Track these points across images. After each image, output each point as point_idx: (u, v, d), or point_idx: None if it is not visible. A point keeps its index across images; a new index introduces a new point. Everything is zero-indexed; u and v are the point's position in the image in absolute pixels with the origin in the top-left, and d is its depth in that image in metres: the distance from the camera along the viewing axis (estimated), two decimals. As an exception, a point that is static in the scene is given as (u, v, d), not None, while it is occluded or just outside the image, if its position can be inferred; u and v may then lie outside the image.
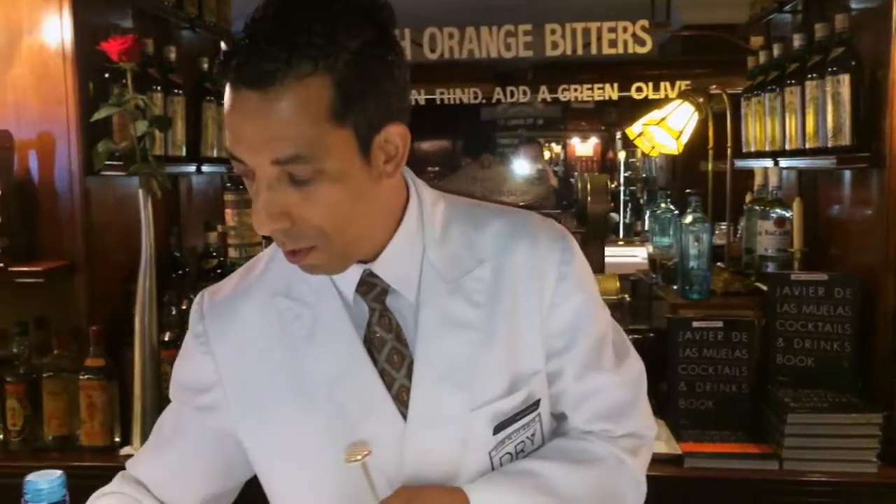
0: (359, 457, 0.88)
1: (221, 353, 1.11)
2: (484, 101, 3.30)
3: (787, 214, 2.54)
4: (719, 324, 2.19)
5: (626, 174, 8.72)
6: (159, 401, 2.10)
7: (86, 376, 2.06)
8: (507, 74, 4.24)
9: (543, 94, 3.74)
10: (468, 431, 1.05)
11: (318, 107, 0.89)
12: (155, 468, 1.17)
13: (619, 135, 9.05)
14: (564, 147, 9.82)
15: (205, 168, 2.73)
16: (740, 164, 2.92)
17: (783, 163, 2.53)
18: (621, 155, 9.00)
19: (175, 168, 2.54)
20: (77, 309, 2.21)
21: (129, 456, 2.02)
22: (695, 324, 2.19)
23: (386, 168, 0.97)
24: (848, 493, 1.95)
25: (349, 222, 0.96)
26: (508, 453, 1.09)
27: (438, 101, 3.33)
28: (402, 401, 1.04)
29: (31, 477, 0.87)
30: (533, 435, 1.11)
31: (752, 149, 2.75)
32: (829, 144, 2.17)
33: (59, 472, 0.85)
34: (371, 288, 1.05)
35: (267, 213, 0.92)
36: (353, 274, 1.05)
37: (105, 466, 2.03)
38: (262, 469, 1.13)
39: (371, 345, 1.05)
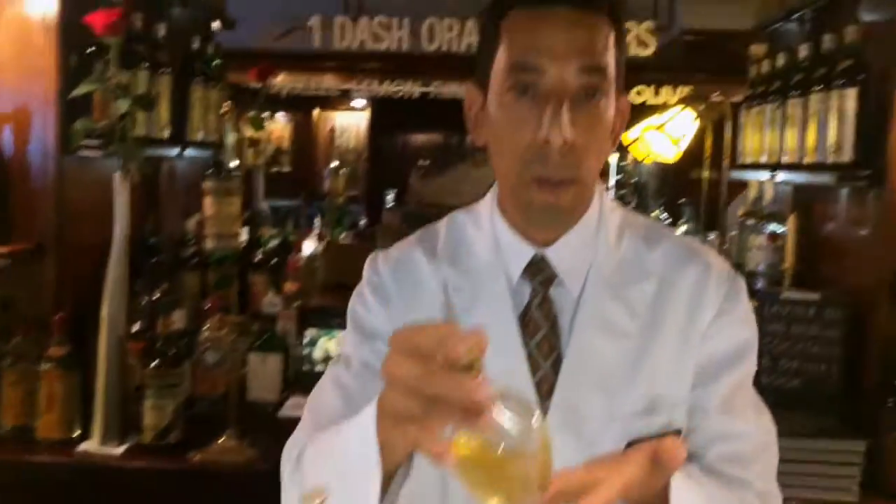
0: (316, 502, 0.82)
1: (395, 306, 1.11)
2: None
3: (781, 230, 2.48)
4: (706, 340, 2.13)
5: (617, 177, 8.68)
6: (123, 394, 2.04)
7: (47, 365, 1.98)
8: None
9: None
10: (602, 440, 1.03)
11: (610, 37, 1.02)
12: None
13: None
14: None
15: (189, 152, 2.65)
16: (735, 174, 2.86)
17: (781, 176, 2.46)
18: (613, 158, 8.93)
19: (157, 150, 2.47)
20: (44, 294, 2.14)
21: (86, 452, 2.01)
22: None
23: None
24: (830, 523, 1.91)
25: (598, 165, 1.05)
26: None
27: (433, 96, 3.26)
28: (541, 392, 1.04)
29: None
30: None
31: (749, 160, 2.70)
32: (830, 160, 2.12)
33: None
34: (538, 272, 1.08)
35: (564, 123, 0.97)
36: (525, 254, 1.08)
37: (62, 463, 1.96)
38: None
39: (525, 327, 1.06)
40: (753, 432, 1.10)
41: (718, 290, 1.08)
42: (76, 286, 2.21)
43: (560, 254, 1.07)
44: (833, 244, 2.35)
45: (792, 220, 2.43)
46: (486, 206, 1.14)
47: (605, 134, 1.03)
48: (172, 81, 2.48)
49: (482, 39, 1.06)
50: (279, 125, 6.53)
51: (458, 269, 1.11)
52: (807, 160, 2.24)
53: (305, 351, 2.26)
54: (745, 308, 1.10)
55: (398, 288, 1.12)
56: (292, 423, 2.01)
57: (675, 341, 1.07)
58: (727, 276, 1.10)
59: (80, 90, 2.00)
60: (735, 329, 1.09)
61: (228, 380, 2.09)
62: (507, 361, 1.04)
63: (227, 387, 2.10)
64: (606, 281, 1.08)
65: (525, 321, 1.07)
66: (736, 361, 1.09)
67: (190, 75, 2.67)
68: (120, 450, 1.99)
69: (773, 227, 2.51)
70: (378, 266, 1.15)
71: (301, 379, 2.25)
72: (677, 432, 1.06)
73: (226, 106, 2.48)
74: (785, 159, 2.38)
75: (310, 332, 2.26)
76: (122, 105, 2.02)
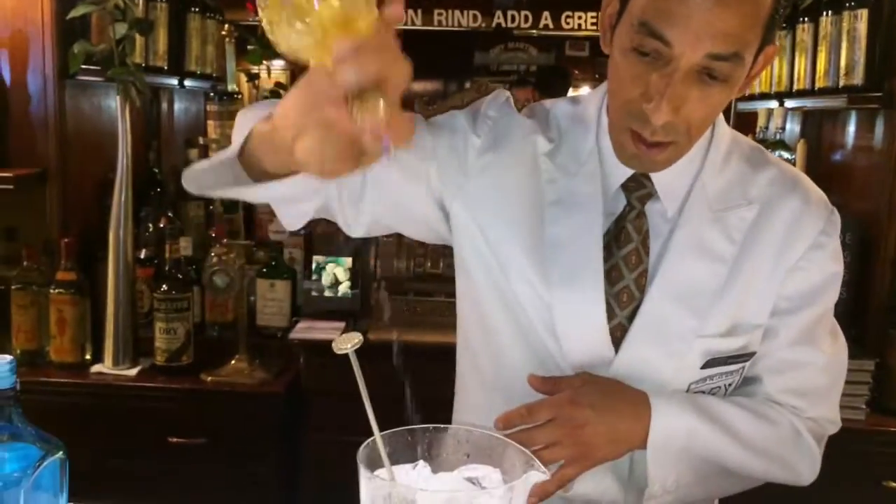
0: (348, 345, 0.82)
1: (486, 150, 1.08)
2: (483, 26, 3.17)
3: (790, 157, 2.47)
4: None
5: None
6: (133, 319, 2.03)
7: (56, 290, 1.98)
8: (507, 6, 4.11)
9: (546, 20, 3.60)
10: (681, 356, 1.04)
11: (765, 15, 0.91)
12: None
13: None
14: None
15: (188, 83, 2.61)
16: (744, 106, 2.84)
17: (790, 103, 2.44)
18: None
19: (156, 79, 2.42)
20: (49, 220, 2.11)
21: (101, 374, 2.02)
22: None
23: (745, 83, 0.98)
24: (836, 439, 1.92)
25: (707, 126, 1.00)
26: (703, 392, 1.08)
27: (436, 24, 3.19)
28: (620, 300, 1.04)
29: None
30: (730, 385, 1.09)
31: (757, 91, 2.67)
32: (841, 84, 2.10)
33: (9, 358, 0.76)
34: (638, 187, 1.05)
35: (671, 105, 0.91)
36: (626, 169, 1.04)
37: (74, 383, 1.98)
38: (468, 281, 1.12)
39: (615, 238, 1.05)
40: (824, 361, 1.10)
41: (815, 223, 1.06)
42: (81, 212, 2.19)
43: (663, 174, 1.03)
44: (841, 169, 2.34)
45: (800, 147, 2.41)
46: (594, 106, 1.08)
47: (723, 101, 0.96)
48: (169, 10, 2.43)
49: None
50: (278, 71, 6.41)
51: (557, 162, 1.07)
52: (818, 85, 2.22)
53: (314, 277, 2.24)
54: (837, 243, 1.09)
55: (497, 142, 1.08)
56: (303, 346, 2.04)
57: (766, 269, 1.06)
58: (825, 210, 1.08)
59: (77, 11, 1.96)
60: (826, 263, 1.07)
61: (238, 305, 2.08)
62: (584, 267, 1.03)
63: (237, 312, 2.09)
64: (708, 203, 1.05)
65: (616, 231, 1.05)
66: (821, 294, 1.08)
67: (187, 6, 2.61)
68: (133, 371, 2.00)
69: (782, 153, 2.49)
70: (497, 108, 1.10)
71: (310, 304, 2.23)
72: (751, 355, 1.07)
73: (226, 29, 2.42)
74: (795, 87, 2.36)
75: (317, 259, 2.24)
76: (120, 28, 1.99)
